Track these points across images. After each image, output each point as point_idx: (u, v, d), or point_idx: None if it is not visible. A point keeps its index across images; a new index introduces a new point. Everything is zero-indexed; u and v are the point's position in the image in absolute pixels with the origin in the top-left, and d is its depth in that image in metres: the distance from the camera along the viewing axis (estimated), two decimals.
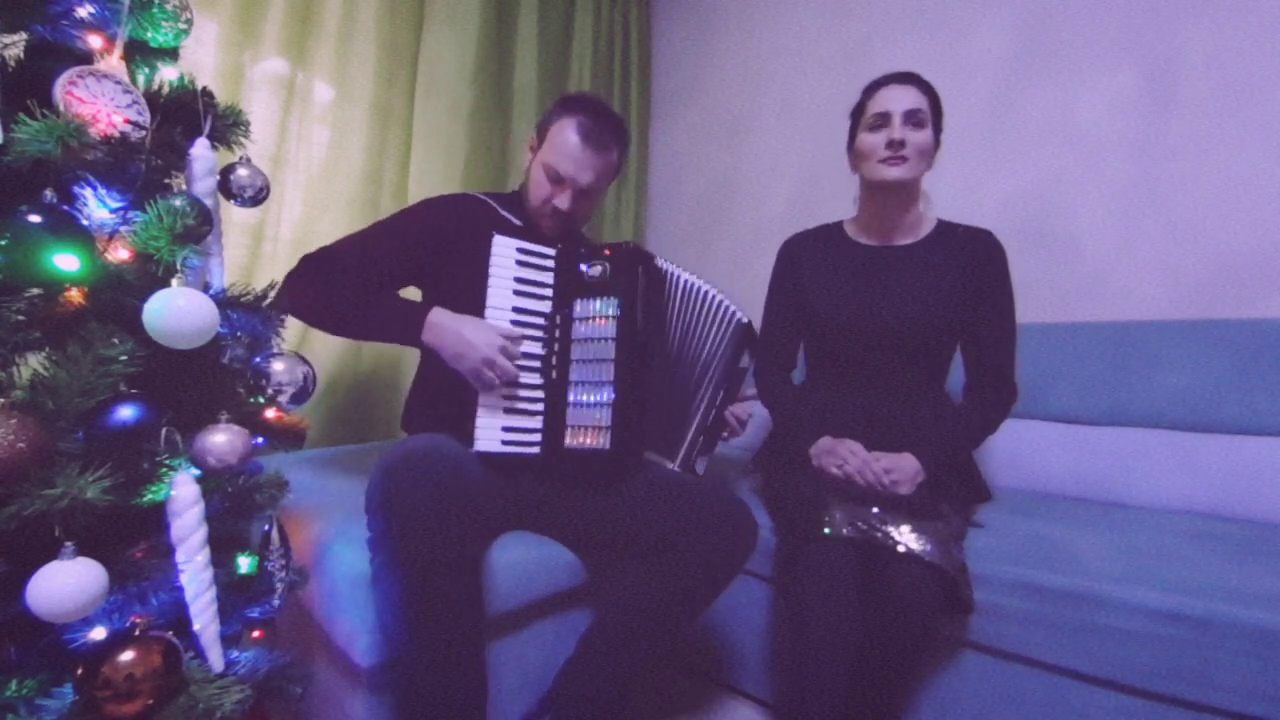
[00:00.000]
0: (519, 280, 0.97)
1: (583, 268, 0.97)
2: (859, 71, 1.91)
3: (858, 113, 1.16)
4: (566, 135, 1.06)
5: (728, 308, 1.07)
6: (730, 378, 1.08)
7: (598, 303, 0.96)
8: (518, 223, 1.15)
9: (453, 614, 0.79)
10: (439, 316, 0.94)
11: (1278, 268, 1.29)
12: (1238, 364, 1.24)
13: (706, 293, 1.06)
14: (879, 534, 0.92)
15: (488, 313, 0.94)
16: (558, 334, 0.98)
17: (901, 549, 0.90)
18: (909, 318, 1.13)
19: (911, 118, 1.07)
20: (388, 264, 1.06)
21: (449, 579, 0.79)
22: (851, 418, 1.15)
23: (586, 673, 0.92)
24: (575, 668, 0.93)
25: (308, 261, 1.01)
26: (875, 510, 0.95)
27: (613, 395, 0.93)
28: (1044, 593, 0.90)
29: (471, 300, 0.95)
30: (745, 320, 1.08)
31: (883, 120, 1.09)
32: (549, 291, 1.00)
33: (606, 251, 0.97)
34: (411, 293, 1.16)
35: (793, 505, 1.05)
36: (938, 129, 1.11)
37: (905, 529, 0.92)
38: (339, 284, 0.99)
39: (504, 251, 0.96)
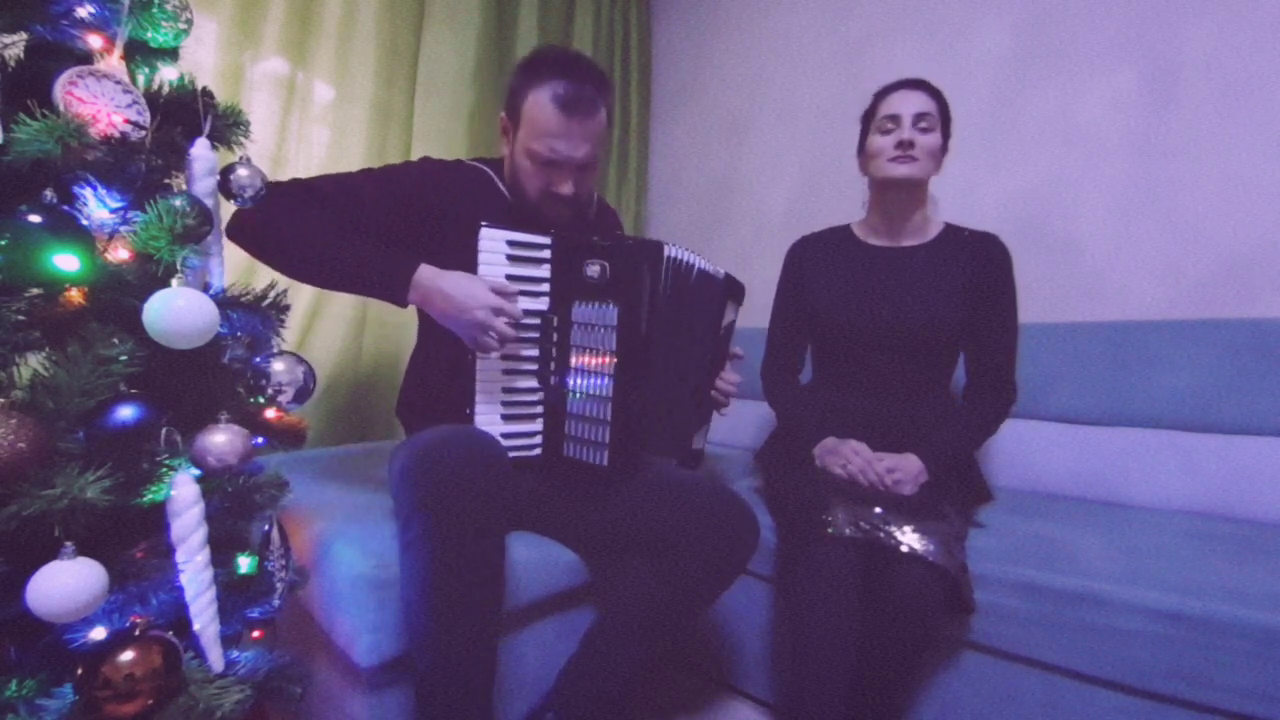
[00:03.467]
0: (510, 278, 0.89)
1: (584, 266, 0.89)
2: (859, 72, 1.92)
3: (868, 116, 1.19)
4: (544, 111, 0.93)
5: (712, 274, 0.99)
6: (718, 345, 1.05)
7: (596, 308, 0.88)
8: (510, 197, 1.05)
9: (483, 586, 0.79)
10: (425, 276, 0.87)
11: (1278, 268, 1.29)
12: (1238, 364, 1.24)
13: (695, 267, 0.97)
14: (882, 534, 0.92)
15: None
16: (555, 336, 0.92)
17: (905, 549, 0.90)
18: (914, 319, 1.13)
19: (921, 120, 1.10)
20: (372, 215, 0.95)
21: (485, 550, 0.79)
22: (855, 418, 1.15)
23: (589, 670, 0.92)
24: (578, 665, 0.93)
25: (277, 187, 0.88)
26: (878, 510, 0.95)
27: (610, 412, 0.88)
28: (1044, 593, 0.90)
29: None
30: (723, 275, 1.02)
31: (893, 122, 1.11)
32: (545, 287, 0.91)
33: (607, 248, 0.88)
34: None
35: (794, 505, 1.05)
36: (946, 133, 1.14)
37: (908, 529, 0.92)
38: (314, 215, 0.89)
39: (493, 246, 0.88)
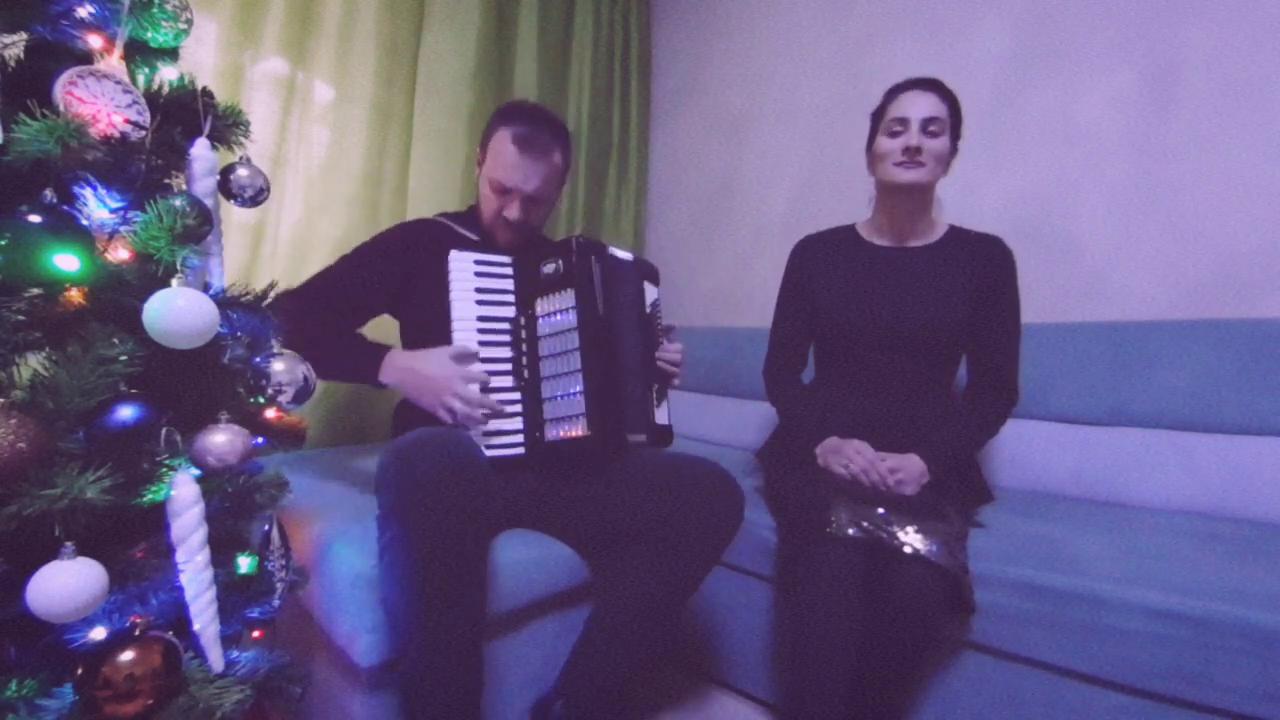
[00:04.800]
0: (480, 290, 1.01)
1: (540, 268, 1.01)
2: (859, 72, 1.92)
3: (877, 116, 1.17)
4: (504, 146, 1.10)
5: (627, 260, 1.10)
6: (649, 322, 1.12)
7: (557, 297, 0.99)
8: (474, 238, 1.19)
9: (460, 591, 0.79)
10: (395, 358, 1.00)
11: (1278, 268, 1.29)
12: (1238, 364, 1.23)
13: (619, 259, 1.08)
14: (884, 534, 0.92)
15: (454, 325, 0.98)
16: (524, 334, 1.02)
17: (908, 550, 0.90)
18: (917, 319, 1.13)
19: (929, 125, 1.08)
20: (357, 295, 1.12)
21: (459, 554, 0.79)
22: (857, 418, 1.15)
23: (593, 663, 0.94)
24: (582, 656, 0.95)
25: (284, 301, 1.01)
26: (881, 511, 0.95)
27: (582, 383, 0.95)
28: (1044, 593, 0.90)
29: (443, 319, 0.99)
30: (632, 258, 1.12)
31: (901, 125, 1.10)
32: (511, 297, 1.04)
33: (559, 248, 1.00)
34: (388, 323, 1.22)
35: (796, 504, 1.06)
36: (955, 136, 1.12)
37: (911, 530, 0.92)
38: (306, 325, 0.99)
39: (461, 265, 1.00)
